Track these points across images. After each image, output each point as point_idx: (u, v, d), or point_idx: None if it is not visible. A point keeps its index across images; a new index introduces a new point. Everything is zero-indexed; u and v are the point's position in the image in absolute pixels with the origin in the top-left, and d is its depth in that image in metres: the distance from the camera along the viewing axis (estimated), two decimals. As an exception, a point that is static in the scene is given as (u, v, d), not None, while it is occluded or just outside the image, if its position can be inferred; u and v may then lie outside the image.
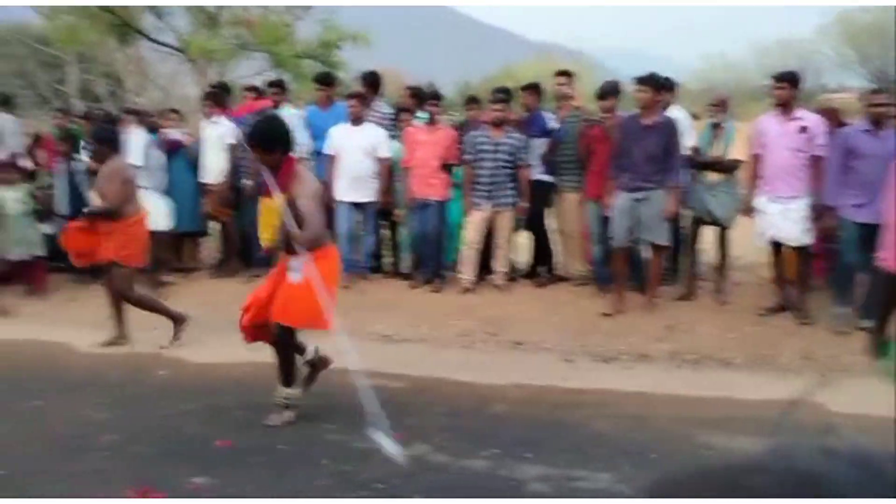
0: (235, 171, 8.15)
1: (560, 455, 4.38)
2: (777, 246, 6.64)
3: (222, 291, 7.68)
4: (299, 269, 4.69)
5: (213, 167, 8.25)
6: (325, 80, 8.68)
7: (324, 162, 7.86)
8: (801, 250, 6.55)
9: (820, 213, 6.38)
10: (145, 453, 4.54)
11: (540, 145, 7.62)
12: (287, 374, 4.94)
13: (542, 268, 7.96)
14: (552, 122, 7.67)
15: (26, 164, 8.70)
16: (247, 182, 7.75)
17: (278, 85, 8.71)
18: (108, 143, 6.68)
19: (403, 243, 8.36)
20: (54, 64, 20.79)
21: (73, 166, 8.64)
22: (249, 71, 14.18)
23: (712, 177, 6.99)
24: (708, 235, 7.30)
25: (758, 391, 5.22)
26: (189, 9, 13.65)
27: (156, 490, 3.95)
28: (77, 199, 8.21)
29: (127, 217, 6.50)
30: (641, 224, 6.70)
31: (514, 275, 7.87)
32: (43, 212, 8.33)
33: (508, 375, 5.84)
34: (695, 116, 7.84)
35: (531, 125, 7.69)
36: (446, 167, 7.67)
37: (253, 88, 8.95)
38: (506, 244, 7.60)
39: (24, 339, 7.06)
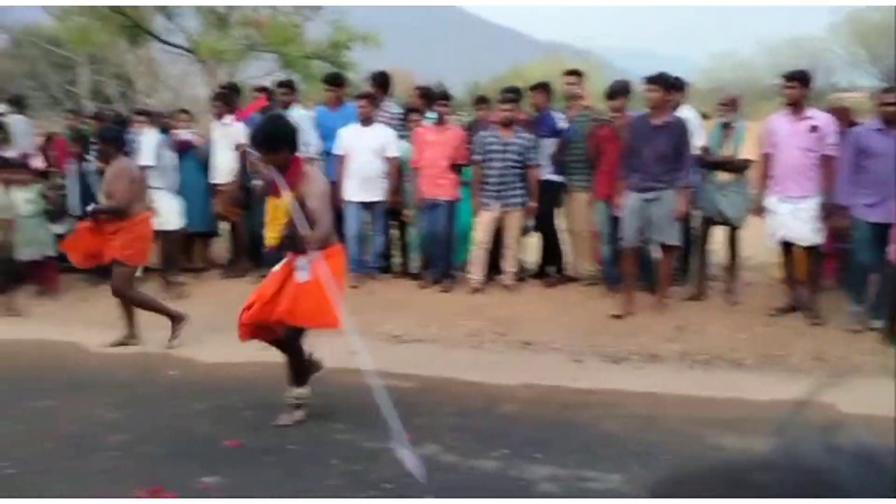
0: (245, 171, 8.17)
1: (569, 455, 4.38)
2: (787, 246, 6.62)
3: (232, 291, 7.69)
4: (306, 268, 4.67)
5: (223, 167, 8.27)
6: (335, 81, 8.69)
7: (333, 162, 7.87)
8: (811, 250, 6.52)
9: (830, 212, 6.35)
10: (155, 453, 4.55)
11: (549, 145, 7.61)
12: (298, 373, 4.95)
13: (551, 268, 7.95)
14: (561, 121, 7.66)
15: (38, 163, 8.75)
16: (257, 182, 7.77)
17: (288, 85, 8.73)
18: (113, 142, 6.71)
19: (412, 243, 8.36)
20: (66, 65, 20.89)
21: (85, 167, 8.69)
22: (259, 72, 14.21)
23: (722, 176, 6.97)
24: (718, 235, 7.28)
25: (768, 392, 5.20)
26: (199, 10, 13.70)
27: (165, 490, 3.96)
28: (88, 200, 8.24)
29: (133, 216, 6.53)
30: (652, 224, 6.69)
31: (523, 275, 7.86)
32: (54, 212, 8.37)
33: (518, 376, 5.84)
34: (705, 116, 7.81)
35: (541, 125, 7.68)
36: (455, 167, 7.67)
37: (262, 89, 8.97)
38: (515, 244, 7.59)
39: (35, 338, 7.11)
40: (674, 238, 6.80)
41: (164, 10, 13.44)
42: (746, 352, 6.21)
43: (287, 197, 4.58)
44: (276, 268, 4.86)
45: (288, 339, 4.87)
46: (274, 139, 4.65)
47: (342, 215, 7.65)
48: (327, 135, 8.06)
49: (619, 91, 7.23)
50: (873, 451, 0.46)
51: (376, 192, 7.80)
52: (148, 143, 8.26)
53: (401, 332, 6.91)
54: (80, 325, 7.34)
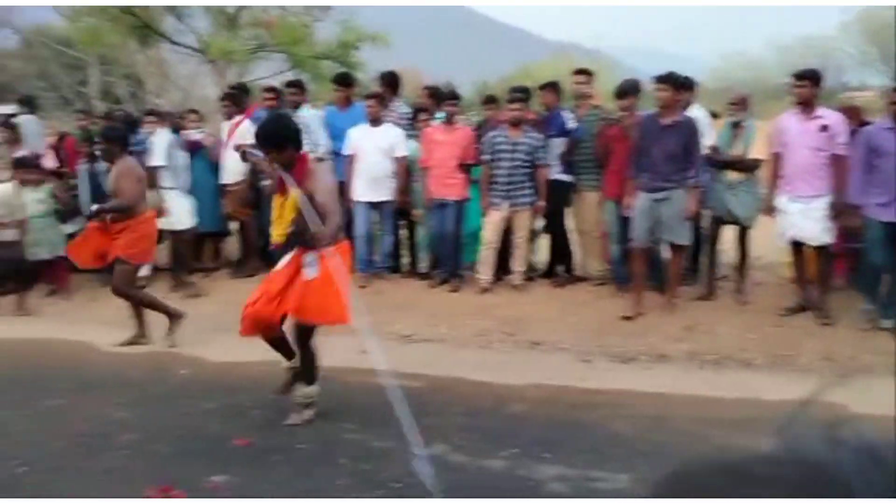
0: (255, 171, 8.19)
1: (578, 455, 4.37)
2: (798, 245, 6.59)
3: (241, 291, 7.68)
4: (314, 264, 4.67)
5: (233, 167, 8.30)
6: (344, 81, 8.71)
7: (342, 162, 7.88)
8: (821, 250, 6.50)
9: (840, 211, 6.32)
10: (165, 452, 4.57)
11: (558, 144, 7.60)
12: (308, 372, 4.96)
13: (559, 268, 7.94)
14: (571, 121, 7.65)
15: (50, 163, 8.80)
16: (266, 182, 7.78)
17: (297, 85, 8.75)
18: (117, 141, 6.73)
19: (421, 243, 8.37)
20: (76, 65, 21.00)
21: (96, 167, 8.72)
22: (268, 72, 14.25)
23: (732, 176, 6.95)
24: (728, 235, 7.26)
25: (778, 392, 5.17)
26: (209, 10, 13.74)
27: (175, 488, 3.98)
28: (99, 200, 8.28)
29: (137, 215, 6.56)
30: (662, 224, 6.67)
31: (531, 274, 7.85)
32: (65, 212, 8.41)
33: (526, 375, 5.84)
34: (715, 115, 7.78)
35: (550, 124, 7.66)
36: (464, 167, 7.67)
37: (272, 89, 9.00)
38: (524, 244, 7.59)
39: (46, 338, 7.15)
40: (684, 238, 6.78)
41: (174, 11, 13.48)
42: (756, 352, 6.19)
43: (296, 193, 4.57)
44: (282, 263, 4.83)
45: (299, 336, 4.88)
46: (278, 137, 4.64)
47: (351, 215, 7.66)
48: (336, 135, 8.08)
49: (628, 90, 7.21)
50: (875, 446, 0.47)
51: (385, 192, 7.81)
52: (160, 144, 8.29)
53: (410, 331, 6.92)
54: (90, 324, 7.38)
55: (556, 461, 4.30)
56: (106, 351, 6.72)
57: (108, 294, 7.57)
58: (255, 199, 8.20)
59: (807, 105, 6.37)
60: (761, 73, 32.56)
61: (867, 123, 6.84)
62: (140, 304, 6.79)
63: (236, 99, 8.62)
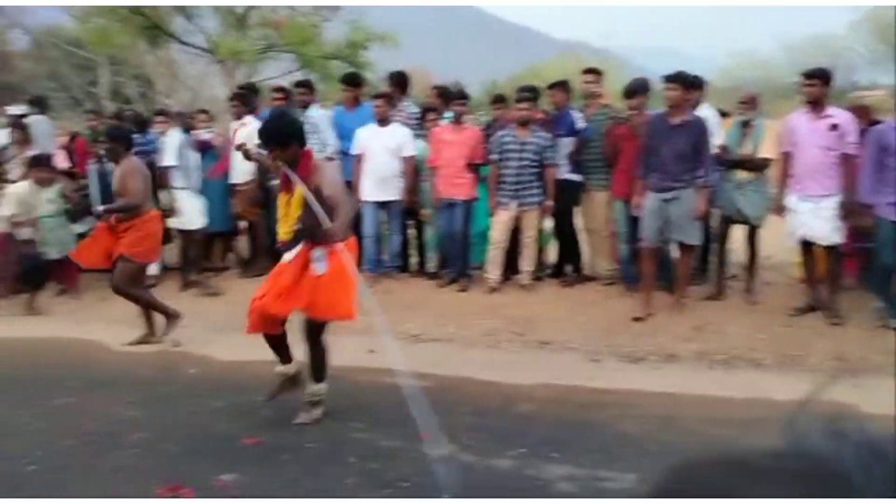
0: (263, 170, 8.21)
1: (586, 455, 4.37)
2: (807, 245, 6.57)
3: (251, 290, 7.69)
4: (323, 260, 4.67)
5: (242, 167, 8.32)
6: (352, 81, 8.72)
7: (350, 162, 7.89)
8: (831, 249, 6.47)
9: (850, 211, 6.29)
10: (174, 450, 4.59)
11: (567, 144, 7.59)
12: (317, 369, 4.96)
13: (568, 267, 7.93)
14: (580, 121, 7.64)
15: (63, 163, 8.83)
16: (275, 182, 7.80)
17: (306, 85, 8.76)
18: (121, 141, 6.75)
19: (430, 243, 8.37)
20: (86, 66, 21.09)
21: (105, 167, 8.76)
22: (277, 72, 14.29)
23: (741, 175, 6.93)
24: (737, 234, 7.24)
25: (788, 392, 5.15)
26: (218, 11, 13.79)
27: (184, 487, 3.99)
28: (109, 199, 8.32)
29: (143, 214, 6.58)
30: (671, 224, 6.65)
31: (540, 274, 7.85)
32: (75, 212, 8.44)
33: (534, 375, 5.83)
34: (725, 114, 7.75)
35: (559, 124, 7.65)
36: (473, 167, 7.67)
37: (281, 89, 9.01)
38: (532, 243, 7.58)
39: (56, 337, 7.19)
40: (694, 238, 6.77)
41: (184, 11, 13.53)
42: (765, 352, 6.17)
43: (302, 189, 4.54)
44: (288, 258, 4.81)
45: (309, 332, 4.89)
46: (282, 135, 4.63)
47: (360, 215, 7.67)
48: (345, 135, 8.09)
49: (636, 90, 7.20)
50: (876, 440, 0.47)
51: (393, 192, 7.82)
52: (171, 144, 8.31)
53: (418, 331, 6.92)
54: (100, 323, 7.41)
55: (565, 461, 4.30)
56: (115, 350, 6.75)
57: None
58: (264, 198, 8.23)
59: (816, 104, 6.35)
60: (771, 72, 32.45)
61: (877, 122, 6.80)
62: (138, 303, 6.79)
63: (245, 99, 8.64)
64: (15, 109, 9.81)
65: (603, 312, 7.02)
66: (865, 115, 6.96)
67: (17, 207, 7.99)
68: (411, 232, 8.48)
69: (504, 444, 4.53)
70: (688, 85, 6.74)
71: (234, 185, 8.51)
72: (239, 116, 8.53)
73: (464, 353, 6.49)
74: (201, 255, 8.66)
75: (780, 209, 6.61)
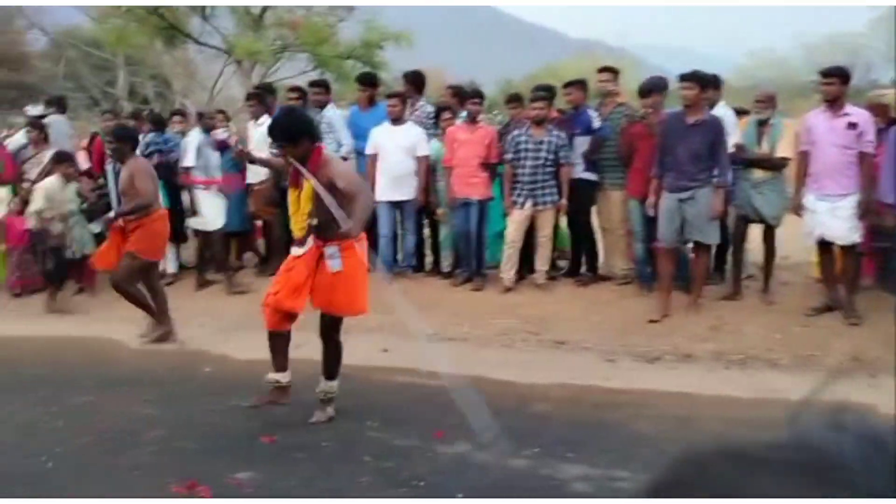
0: (278, 170, 8.22)
1: (601, 455, 4.35)
2: (825, 245, 6.52)
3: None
4: (337, 256, 4.66)
5: (258, 167, 8.34)
6: (367, 81, 8.74)
7: (365, 161, 7.90)
8: (849, 249, 6.42)
9: (868, 210, 6.24)
10: (190, 448, 4.62)
11: (582, 143, 7.56)
12: (331, 366, 4.97)
13: (583, 266, 7.91)
14: (596, 119, 7.61)
15: (83, 163, 8.90)
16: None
17: (321, 85, 8.78)
18: (128, 141, 6.76)
19: (444, 242, 8.37)
20: (104, 67, 21.25)
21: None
22: (293, 72, 14.35)
23: (758, 174, 6.88)
24: (754, 234, 7.19)
25: (804, 392, 5.12)
26: (234, 11, 13.85)
27: (200, 484, 4.01)
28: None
29: (151, 213, 6.61)
30: (688, 224, 6.62)
31: (555, 274, 7.83)
32: (92, 211, 8.50)
33: (550, 375, 5.82)
34: (744, 112, 7.70)
35: (576, 122, 7.63)
36: (488, 166, 7.66)
37: (296, 89, 9.04)
38: (547, 242, 7.57)
39: (74, 335, 7.24)
40: (712, 237, 6.74)
41: (200, 12, 13.61)
42: (782, 352, 6.13)
43: (314, 184, 4.51)
44: (299, 253, 4.79)
45: (326, 329, 4.91)
46: (292, 131, 4.63)
47: (374, 214, 7.67)
48: (360, 134, 8.10)
49: (652, 88, 7.16)
50: (877, 432, 0.48)
51: (407, 191, 7.82)
52: (191, 144, 8.32)
53: (433, 330, 6.91)
54: (117, 322, 7.46)
55: (580, 461, 4.29)
56: (133, 348, 6.80)
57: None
58: (280, 197, 8.25)
59: (834, 103, 6.30)
60: (788, 70, 32.20)
61: (896, 121, 6.74)
62: (132, 301, 6.80)
63: (262, 99, 8.67)
64: (33, 110, 9.90)
65: (618, 312, 7.00)
66: (884, 114, 6.89)
67: (45, 202, 8.03)
68: (426, 231, 8.48)
69: (519, 443, 4.52)
70: (704, 84, 6.70)
71: (251, 184, 8.54)
72: (256, 116, 8.56)
73: (478, 352, 6.48)
74: (224, 255, 8.67)
75: (797, 208, 6.57)
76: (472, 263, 7.79)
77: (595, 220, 7.83)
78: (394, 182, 7.75)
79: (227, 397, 5.45)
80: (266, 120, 8.40)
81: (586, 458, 4.31)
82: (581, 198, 7.54)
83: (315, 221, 4.64)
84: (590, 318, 6.92)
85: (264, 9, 13.74)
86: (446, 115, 8.03)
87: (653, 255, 7.02)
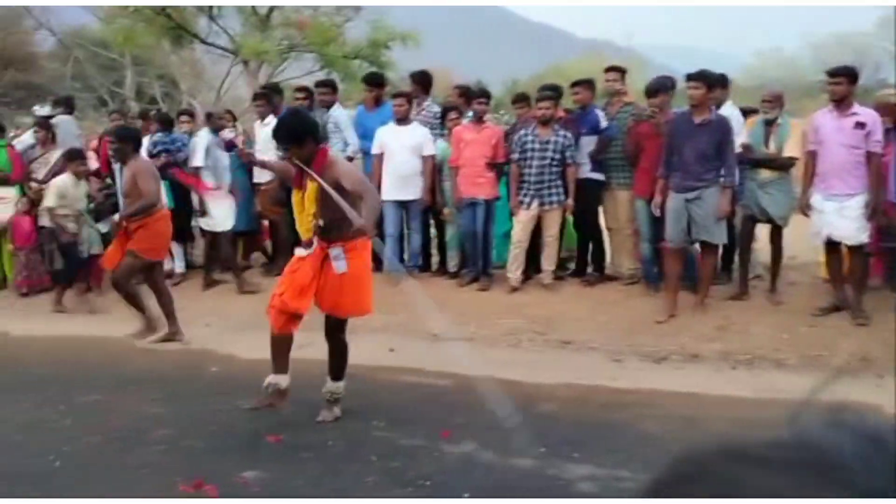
0: (280, 173, 8.23)
1: (607, 455, 4.35)
2: (833, 245, 6.50)
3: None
4: (342, 258, 4.67)
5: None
6: (374, 81, 8.74)
7: (371, 161, 7.91)
8: (857, 249, 6.40)
9: (876, 210, 6.22)
10: (197, 447, 4.63)
11: (589, 143, 7.55)
12: (338, 367, 4.98)
13: (590, 267, 7.91)
14: (604, 119, 7.60)
15: (93, 163, 8.92)
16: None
17: (328, 85, 8.79)
18: (130, 141, 6.75)
19: (451, 242, 8.37)
20: (111, 67, 21.30)
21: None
22: (300, 72, 14.36)
23: (765, 174, 6.86)
24: (762, 234, 7.17)
25: (805, 392, 5.10)
26: (241, 11, 13.88)
27: (207, 483, 4.03)
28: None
29: (154, 213, 6.63)
30: (695, 224, 6.61)
31: (561, 273, 7.82)
32: (100, 211, 8.53)
33: (556, 375, 5.82)
34: (751, 112, 7.67)
35: (583, 122, 7.62)
36: (494, 166, 7.66)
37: (303, 89, 9.06)
38: (554, 242, 7.56)
39: (82, 335, 7.27)
40: (719, 237, 6.73)
41: (207, 12, 13.64)
42: (789, 352, 6.11)
43: (321, 185, 4.52)
44: (303, 253, 4.79)
45: (331, 330, 4.92)
46: (297, 133, 4.64)
47: (381, 214, 7.68)
48: (366, 134, 8.10)
49: (658, 88, 7.15)
50: (875, 428, 0.48)
51: (413, 191, 7.83)
52: (200, 144, 8.33)
53: (439, 330, 6.92)
54: (125, 322, 7.47)
55: (586, 461, 4.29)
56: (140, 348, 6.82)
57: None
58: (287, 197, 8.26)
59: (842, 102, 6.28)
60: (796, 70, 32.11)
61: (904, 121, 6.71)
62: (128, 300, 6.81)
63: (269, 99, 8.68)
64: (41, 110, 9.93)
65: (625, 312, 6.99)
66: (892, 114, 6.86)
67: (57, 199, 8.05)
68: (432, 231, 8.49)
69: (525, 443, 4.52)
70: (711, 83, 6.69)
71: (258, 184, 8.55)
72: (263, 116, 8.58)
73: (485, 352, 6.48)
74: (233, 255, 8.68)
75: (804, 208, 6.55)
76: (478, 263, 7.79)
77: (602, 220, 7.82)
78: (400, 182, 7.76)
79: (233, 397, 5.45)
80: (272, 120, 8.42)
81: (592, 458, 4.31)
82: (588, 198, 7.54)
83: (320, 222, 4.65)
84: (596, 318, 6.92)
85: (271, 9, 13.76)
86: (453, 114, 8.03)
87: (660, 255, 7.01)
